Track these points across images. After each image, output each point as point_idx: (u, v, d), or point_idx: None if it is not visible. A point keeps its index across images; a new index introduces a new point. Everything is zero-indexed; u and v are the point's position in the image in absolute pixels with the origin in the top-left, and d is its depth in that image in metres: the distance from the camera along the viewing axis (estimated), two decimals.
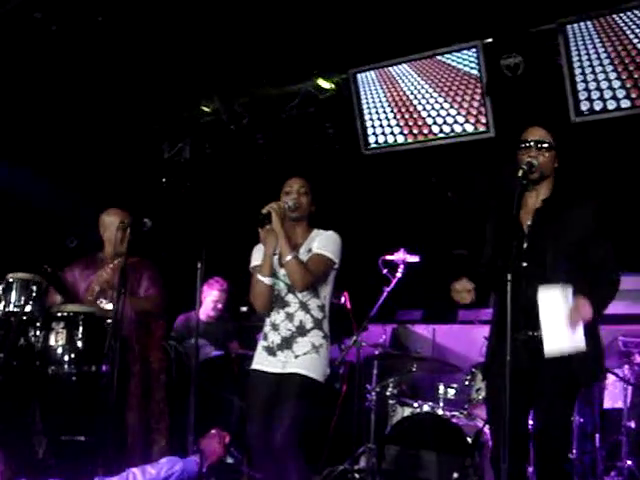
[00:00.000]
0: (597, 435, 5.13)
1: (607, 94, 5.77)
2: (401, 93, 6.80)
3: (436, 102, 6.64)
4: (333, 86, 7.20)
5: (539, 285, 3.35)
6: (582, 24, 5.77)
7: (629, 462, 5.02)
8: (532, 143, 3.49)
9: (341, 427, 5.64)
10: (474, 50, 6.27)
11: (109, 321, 4.33)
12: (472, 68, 6.34)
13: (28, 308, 4.45)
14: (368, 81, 6.93)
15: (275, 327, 3.92)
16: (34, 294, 4.48)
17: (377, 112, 6.96)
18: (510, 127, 3.68)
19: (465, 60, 6.38)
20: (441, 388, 5.24)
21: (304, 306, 3.88)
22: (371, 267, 5.62)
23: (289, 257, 3.79)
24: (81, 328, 4.39)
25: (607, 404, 5.36)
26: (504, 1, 5.73)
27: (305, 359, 3.82)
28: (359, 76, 6.95)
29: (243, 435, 5.23)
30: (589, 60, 5.80)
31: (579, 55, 5.82)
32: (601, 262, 3.45)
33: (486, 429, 4.61)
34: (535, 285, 3.36)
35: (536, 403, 3.47)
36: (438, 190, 7.22)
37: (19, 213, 7.10)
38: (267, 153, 7.73)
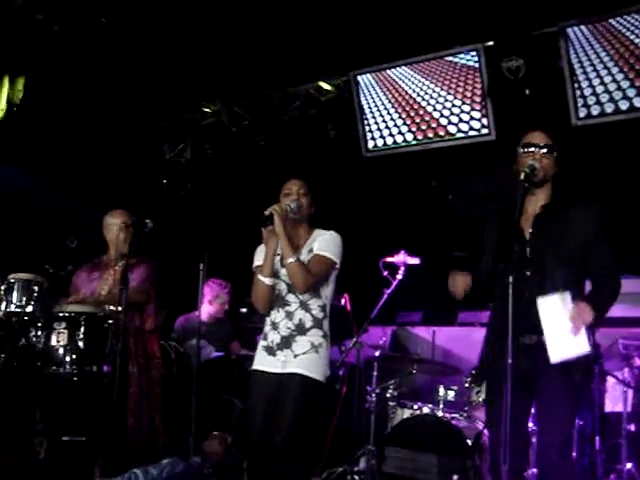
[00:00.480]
0: (597, 438, 5.13)
1: (608, 97, 5.78)
2: (404, 94, 6.79)
3: (446, 100, 6.60)
4: (334, 88, 7.21)
5: (539, 292, 3.36)
6: (583, 27, 5.78)
7: (629, 465, 5.02)
8: (534, 146, 3.50)
9: (341, 429, 5.64)
10: (475, 53, 6.28)
11: (110, 322, 4.34)
12: (469, 60, 6.36)
13: (29, 308, 4.46)
14: (369, 84, 6.94)
15: (275, 326, 3.93)
16: (35, 294, 4.49)
17: (380, 114, 6.96)
18: (511, 130, 3.69)
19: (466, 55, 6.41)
20: (441, 390, 5.24)
21: (304, 305, 3.89)
22: (371, 269, 5.62)
23: (291, 259, 3.80)
24: (82, 328, 4.39)
25: (607, 407, 5.36)
26: (505, 4, 5.74)
27: (304, 359, 3.82)
28: (360, 78, 6.96)
29: (243, 436, 5.25)
30: (590, 63, 5.81)
31: (580, 58, 5.83)
32: (602, 267, 3.45)
33: (486, 431, 4.62)
34: (536, 291, 3.37)
35: (539, 406, 3.47)
36: (438, 193, 7.23)
37: (20, 213, 7.10)
38: (268, 155, 7.74)
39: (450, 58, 6.48)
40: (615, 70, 5.72)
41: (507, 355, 3.14)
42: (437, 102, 6.64)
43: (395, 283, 5.51)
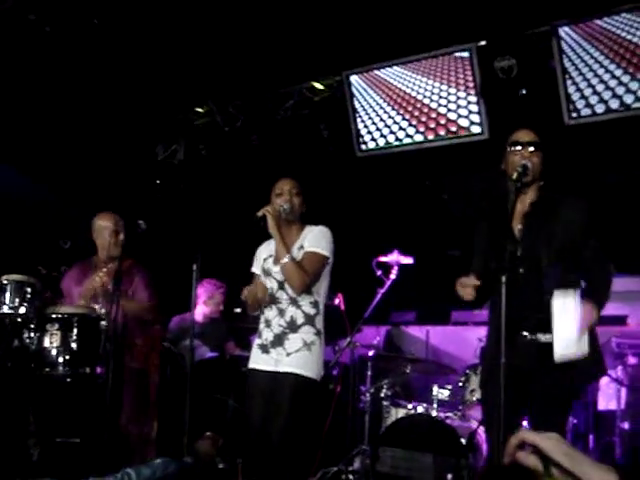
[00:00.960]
0: (591, 436, 5.15)
1: (600, 96, 5.79)
2: (400, 93, 6.76)
3: (448, 94, 6.50)
4: (326, 88, 7.21)
5: (534, 290, 3.37)
6: (575, 27, 5.79)
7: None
8: (523, 144, 3.50)
9: (335, 428, 5.63)
10: (467, 52, 6.28)
11: (103, 323, 4.34)
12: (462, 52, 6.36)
13: (22, 310, 4.45)
14: (362, 84, 6.94)
15: (268, 324, 3.96)
16: (28, 296, 4.48)
17: (377, 114, 6.95)
18: (504, 129, 3.69)
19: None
20: (435, 389, 5.26)
21: (295, 302, 3.91)
22: (365, 269, 5.62)
23: (285, 259, 3.82)
24: (75, 330, 4.38)
25: (601, 405, 5.38)
26: (498, 4, 5.74)
27: (297, 357, 3.83)
28: (353, 78, 6.96)
29: (238, 436, 5.25)
30: (582, 62, 5.81)
31: (572, 57, 5.84)
32: (594, 262, 3.47)
33: (480, 430, 4.62)
34: (532, 289, 3.38)
35: (532, 405, 3.48)
36: (432, 192, 7.23)
37: (13, 214, 7.09)
38: (261, 155, 7.73)
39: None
40: (608, 69, 5.73)
41: (501, 354, 3.14)
42: (439, 97, 6.58)
43: (389, 283, 5.50)
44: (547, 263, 3.39)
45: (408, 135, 6.79)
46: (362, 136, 7.07)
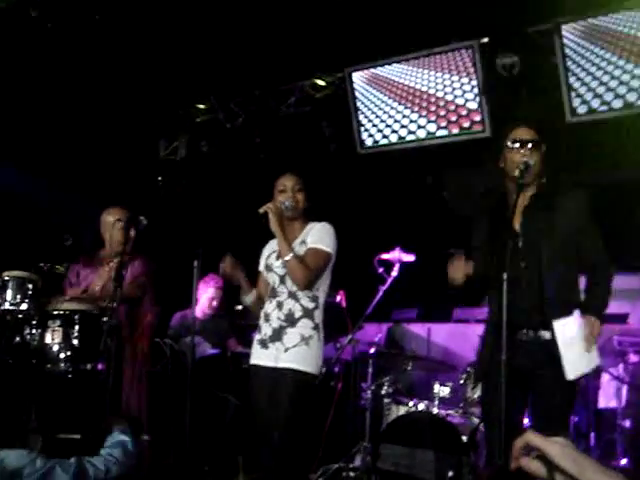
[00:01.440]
0: (592, 434, 5.15)
1: (602, 94, 5.78)
2: (405, 88, 6.74)
3: (453, 82, 6.50)
4: (328, 84, 7.20)
5: (535, 284, 3.37)
6: (578, 24, 5.78)
7: (624, 461, 5.03)
8: (524, 142, 3.49)
9: (336, 425, 5.64)
10: (471, 53, 6.27)
11: (105, 319, 4.33)
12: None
13: (24, 306, 4.44)
14: (364, 82, 6.93)
15: (267, 318, 3.98)
16: (30, 292, 4.47)
17: (380, 110, 6.92)
18: (507, 126, 3.68)
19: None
20: (436, 387, 5.25)
21: (293, 295, 3.92)
22: (366, 266, 5.62)
23: (289, 256, 3.83)
24: (77, 326, 4.37)
25: (602, 403, 5.37)
26: (500, 1, 5.73)
27: (295, 352, 3.84)
28: (355, 75, 6.95)
29: (239, 432, 5.25)
30: (585, 59, 5.80)
31: (575, 55, 5.82)
32: (595, 256, 3.47)
33: (481, 427, 4.62)
34: (533, 285, 3.38)
35: (534, 403, 3.48)
36: (433, 189, 7.22)
37: (14, 211, 7.09)
38: (263, 152, 7.73)
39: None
40: (610, 67, 5.72)
41: (501, 351, 3.14)
42: (444, 86, 6.53)
43: (390, 280, 5.50)
44: (548, 257, 3.39)
45: (420, 126, 6.74)
46: (364, 133, 7.06)
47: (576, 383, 3.46)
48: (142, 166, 8.20)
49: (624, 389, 5.20)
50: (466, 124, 6.45)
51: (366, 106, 6.99)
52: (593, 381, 5.23)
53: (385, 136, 6.96)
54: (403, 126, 6.83)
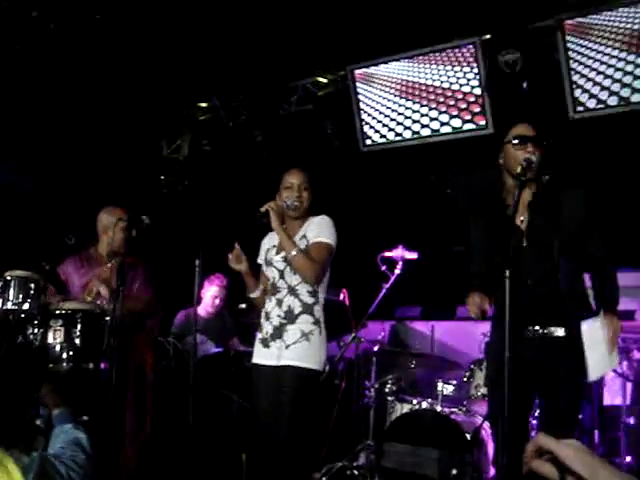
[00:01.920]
0: (596, 431, 5.13)
1: (605, 90, 5.77)
2: (408, 84, 6.73)
3: (456, 72, 6.48)
4: (330, 82, 7.20)
5: (540, 281, 3.36)
6: (580, 20, 5.76)
7: (628, 459, 5.01)
8: (527, 139, 3.48)
9: (340, 424, 5.63)
10: (472, 46, 6.26)
11: (107, 319, 4.33)
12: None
13: (26, 306, 4.43)
14: (364, 79, 6.92)
15: (267, 316, 3.98)
16: (32, 292, 4.46)
17: (383, 106, 6.91)
18: (509, 124, 3.67)
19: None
20: (440, 385, 5.24)
21: (293, 291, 3.91)
22: (370, 264, 5.61)
23: (294, 252, 3.83)
24: (79, 326, 4.37)
25: (606, 400, 5.35)
26: None
27: (296, 349, 3.83)
28: (357, 73, 6.94)
29: (243, 431, 5.24)
30: (587, 56, 5.79)
31: (577, 51, 5.81)
32: (597, 252, 3.47)
33: (485, 425, 4.61)
34: (540, 281, 3.37)
35: (544, 400, 3.47)
36: (437, 187, 7.21)
37: (16, 210, 7.09)
38: (265, 150, 7.72)
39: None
40: (612, 62, 5.71)
41: (505, 349, 3.12)
42: (447, 77, 6.52)
43: (393, 278, 5.49)
44: (559, 253, 3.38)
45: (423, 123, 6.72)
46: (366, 131, 7.05)
47: (585, 383, 3.45)
48: (145, 165, 8.19)
49: (629, 386, 5.18)
50: (468, 117, 6.44)
51: (368, 104, 6.98)
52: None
53: (388, 134, 6.95)
54: (406, 123, 6.82)
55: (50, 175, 7.32)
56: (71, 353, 4.33)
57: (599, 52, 5.74)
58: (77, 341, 4.35)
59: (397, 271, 5.50)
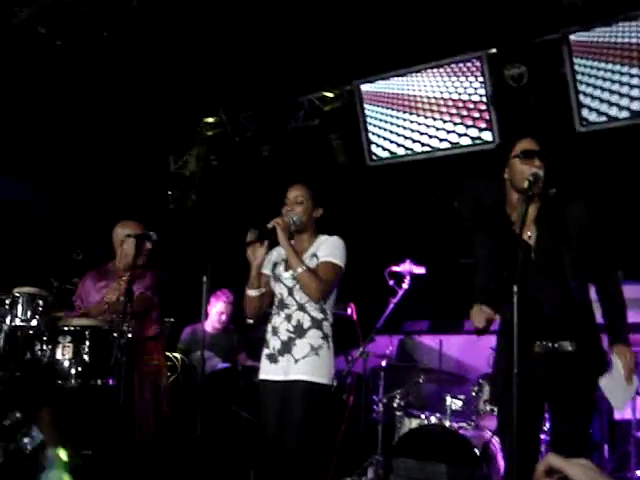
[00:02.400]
0: (606, 446, 5.10)
1: (612, 103, 5.77)
2: (414, 98, 6.75)
3: (462, 83, 6.48)
4: (337, 97, 7.22)
5: (549, 295, 3.35)
6: (585, 34, 5.77)
7: (638, 473, 4.98)
8: (535, 154, 3.48)
9: (348, 439, 5.62)
10: (478, 60, 6.28)
11: (115, 335, 4.34)
12: None
13: (34, 322, 4.45)
14: (371, 95, 6.95)
15: (275, 331, 3.96)
16: (40, 308, 4.48)
17: (388, 122, 6.93)
18: (512, 138, 3.67)
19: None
20: (448, 399, 5.22)
21: (302, 307, 3.91)
22: (377, 278, 5.61)
23: (300, 269, 3.82)
24: (87, 342, 4.39)
25: (616, 415, 5.33)
26: (508, 11, 5.73)
27: (305, 363, 3.82)
28: (363, 87, 6.96)
29: (250, 447, 5.23)
30: (593, 69, 5.80)
31: (583, 64, 5.82)
32: (603, 265, 3.47)
33: (494, 440, 4.59)
34: (549, 295, 3.36)
35: (555, 413, 3.45)
36: (443, 201, 7.21)
37: (25, 227, 7.11)
38: (272, 165, 7.74)
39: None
40: (618, 76, 5.71)
41: (514, 364, 3.11)
42: (455, 88, 6.52)
43: (401, 292, 5.49)
44: (570, 268, 3.38)
45: (430, 136, 6.73)
46: (373, 145, 7.07)
47: (595, 396, 3.45)
48: (152, 180, 8.21)
49: (638, 400, 5.15)
50: (474, 131, 6.44)
51: (374, 118, 7.00)
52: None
53: (394, 148, 6.96)
54: (412, 137, 6.84)
55: (58, 191, 7.35)
56: (79, 369, 4.35)
57: (606, 70, 5.75)
58: (85, 357, 4.37)
59: (405, 285, 5.50)
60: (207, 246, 7.21)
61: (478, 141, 6.47)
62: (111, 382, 4.30)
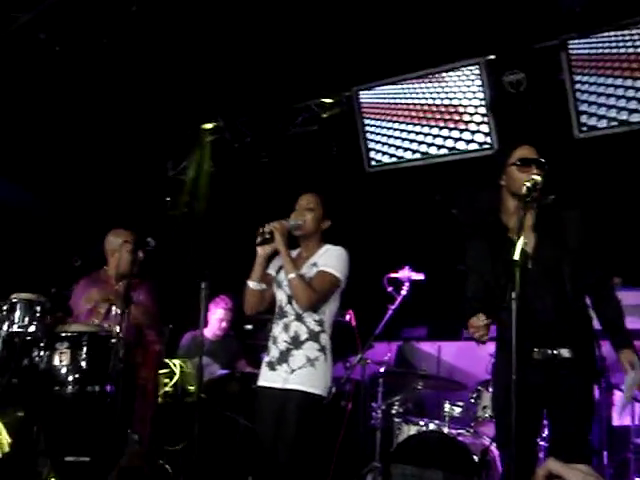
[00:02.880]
0: (605, 452, 5.08)
1: (610, 109, 5.78)
2: (413, 106, 6.75)
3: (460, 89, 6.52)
4: (336, 102, 7.23)
5: (547, 303, 3.35)
6: (584, 40, 5.78)
7: (637, 479, 4.97)
8: (533, 162, 3.48)
9: (347, 445, 5.60)
10: (476, 67, 6.29)
11: (113, 341, 4.32)
12: None
13: (32, 328, 4.43)
14: (369, 102, 6.96)
15: (275, 340, 3.96)
16: (38, 314, 4.47)
17: (387, 128, 6.94)
18: (509, 145, 3.68)
19: None
20: (447, 406, 5.21)
21: (300, 318, 3.90)
22: (376, 285, 5.60)
23: (292, 275, 3.81)
24: (85, 348, 4.36)
25: (615, 421, 5.31)
26: (506, 18, 5.74)
27: (301, 374, 3.82)
28: (362, 94, 6.97)
29: (248, 454, 5.21)
30: (591, 76, 5.80)
31: (581, 71, 5.83)
32: (598, 272, 3.47)
33: (492, 447, 4.58)
34: (548, 302, 3.36)
35: (553, 420, 3.45)
36: (442, 207, 7.21)
37: (23, 232, 7.11)
38: (271, 171, 7.74)
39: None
40: (617, 82, 5.72)
41: (513, 371, 3.10)
42: (454, 94, 6.54)
43: (400, 299, 5.48)
44: (569, 275, 3.38)
45: (429, 143, 6.74)
46: (372, 151, 7.07)
47: (594, 402, 3.45)
48: (150, 186, 8.21)
49: (637, 407, 5.14)
50: (473, 137, 6.45)
51: (373, 126, 7.00)
52: (606, 398, 5.17)
53: (393, 153, 6.97)
54: (411, 145, 6.84)
55: (56, 197, 7.35)
56: (77, 376, 4.32)
57: (603, 72, 5.76)
58: (83, 364, 4.34)
59: (403, 292, 5.49)
60: (206, 253, 7.21)
61: (476, 147, 6.47)
62: (109, 389, 4.29)
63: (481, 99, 6.34)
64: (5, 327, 4.42)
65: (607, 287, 3.52)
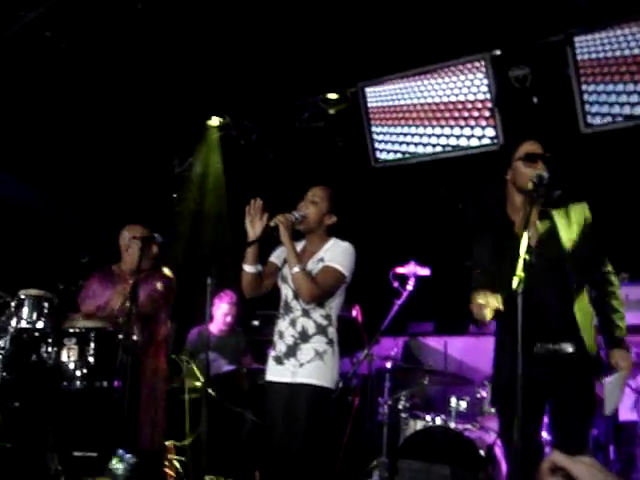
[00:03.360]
0: (611, 447, 5.09)
1: (616, 105, 5.76)
2: (418, 107, 6.76)
3: (464, 85, 6.50)
4: (341, 99, 7.23)
5: (549, 298, 3.35)
6: (590, 35, 5.77)
7: None
8: (540, 157, 3.48)
9: (354, 440, 5.61)
10: (482, 62, 6.28)
11: (120, 336, 4.35)
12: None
13: (40, 324, 4.47)
14: (375, 97, 6.96)
15: (281, 335, 3.96)
16: (46, 310, 4.49)
17: (392, 125, 6.95)
18: (516, 140, 3.68)
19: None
20: (453, 401, 5.21)
21: (306, 313, 3.90)
22: (382, 280, 5.61)
23: (295, 269, 3.81)
24: (92, 344, 4.39)
25: (621, 416, 5.31)
26: (512, 13, 5.73)
27: (310, 367, 3.82)
28: (368, 90, 6.97)
29: (255, 448, 5.24)
30: (597, 70, 5.79)
31: (587, 66, 5.82)
32: (602, 267, 3.47)
33: (499, 442, 4.58)
34: (550, 297, 3.36)
35: (555, 416, 3.45)
36: (448, 202, 7.21)
37: (31, 229, 7.13)
38: (277, 168, 7.74)
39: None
40: (623, 77, 5.71)
41: (517, 366, 3.11)
42: (459, 91, 6.54)
43: (406, 294, 5.48)
44: (572, 270, 3.38)
45: (435, 139, 6.74)
46: (378, 147, 7.07)
47: (597, 397, 3.44)
48: (157, 182, 8.23)
49: None
50: (479, 132, 6.44)
51: (381, 133, 7.02)
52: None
53: (399, 150, 6.97)
54: (417, 140, 6.84)
55: (64, 194, 7.37)
56: (85, 371, 4.35)
57: (609, 67, 5.75)
58: (91, 359, 4.37)
59: (409, 287, 5.49)
60: (211, 249, 7.22)
61: (482, 142, 6.47)
62: (116, 384, 4.31)
63: (486, 94, 6.33)
64: (13, 323, 4.45)
65: (611, 283, 3.51)
